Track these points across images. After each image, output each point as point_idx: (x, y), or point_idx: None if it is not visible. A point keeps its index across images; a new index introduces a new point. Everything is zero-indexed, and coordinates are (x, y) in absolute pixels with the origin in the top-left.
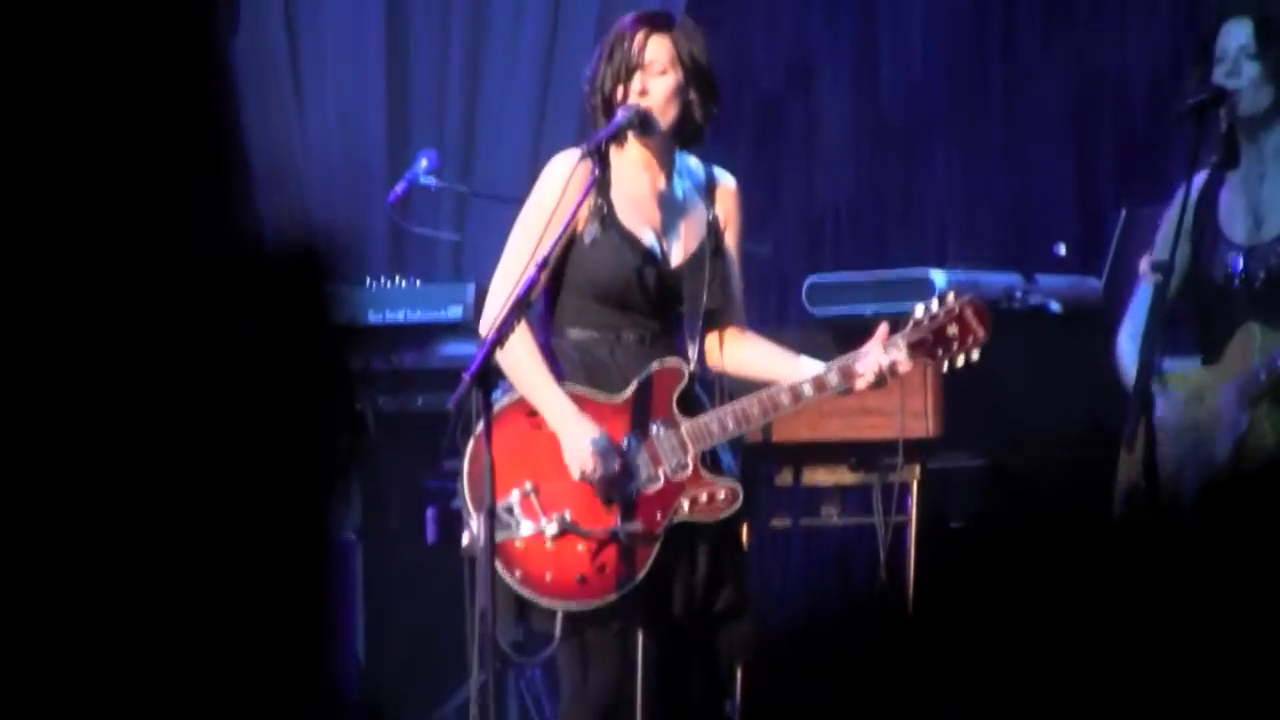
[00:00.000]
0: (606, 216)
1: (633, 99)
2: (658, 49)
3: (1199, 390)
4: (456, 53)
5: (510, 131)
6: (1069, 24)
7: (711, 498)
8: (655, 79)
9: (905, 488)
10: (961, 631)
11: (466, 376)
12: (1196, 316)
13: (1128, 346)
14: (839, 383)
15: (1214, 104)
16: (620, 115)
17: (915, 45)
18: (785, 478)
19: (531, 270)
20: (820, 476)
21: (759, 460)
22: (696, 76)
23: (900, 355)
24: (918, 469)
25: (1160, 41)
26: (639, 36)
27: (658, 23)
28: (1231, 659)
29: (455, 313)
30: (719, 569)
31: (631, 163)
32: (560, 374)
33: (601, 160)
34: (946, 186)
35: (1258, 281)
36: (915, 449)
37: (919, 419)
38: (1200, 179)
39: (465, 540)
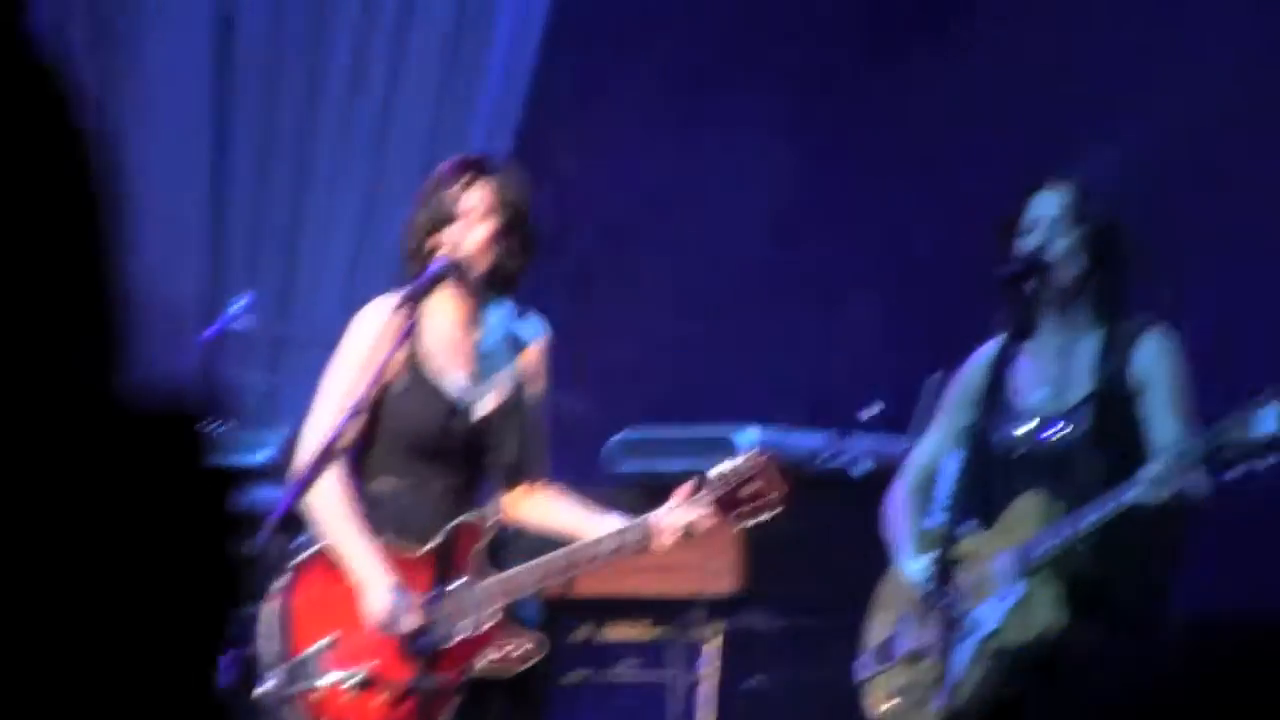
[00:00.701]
0: (416, 367)
1: (446, 248)
2: (476, 196)
3: (973, 554)
4: (278, 198)
5: (328, 277)
6: (896, 176)
7: (512, 651)
8: (471, 228)
9: (700, 646)
10: None
11: (270, 521)
12: (977, 481)
13: (900, 500)
14: (640, 539)
15: (1029, 274)
16: (433, 267)
17: (735, 199)
18: (583, 632)
19: (342, 418)
20: (621, 632)
21: (556, 614)
22: (514, 224)
23: (702, 512)
24: (719, 627)
25: (985, 204)
26: (458, 184)
27: (480, 168)
28: None
29: (264, 457)
30: None
31: (444, 311)
32: (370, 523)
33: (414, 310)
34: (764, 343)
35: (1045, 450)
36: (717, 607)
37: (721, 576)
38: (996, 346)
39: (259, 690)
